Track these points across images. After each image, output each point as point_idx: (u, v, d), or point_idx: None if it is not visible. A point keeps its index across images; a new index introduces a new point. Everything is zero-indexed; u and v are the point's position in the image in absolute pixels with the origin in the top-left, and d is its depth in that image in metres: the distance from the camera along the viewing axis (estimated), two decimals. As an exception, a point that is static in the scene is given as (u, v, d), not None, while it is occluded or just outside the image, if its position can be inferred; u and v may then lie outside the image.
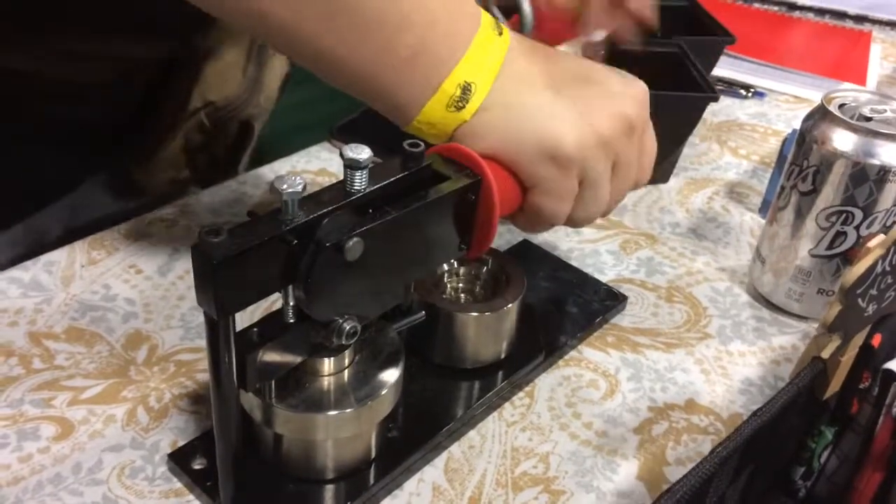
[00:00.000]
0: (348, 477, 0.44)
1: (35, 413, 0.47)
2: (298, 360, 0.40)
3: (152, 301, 0.56)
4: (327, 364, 0.41)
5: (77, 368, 0.51)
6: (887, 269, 0.35)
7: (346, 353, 0.42)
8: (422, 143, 0.40)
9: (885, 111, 0.55)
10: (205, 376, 0.51)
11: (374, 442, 0.45)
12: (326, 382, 0.42)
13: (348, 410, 0.41)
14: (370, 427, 0.43)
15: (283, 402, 0.40)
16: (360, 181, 0.38)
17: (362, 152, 0.37)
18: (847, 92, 0.57)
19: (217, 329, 0.34)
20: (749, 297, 0.62)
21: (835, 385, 0.40)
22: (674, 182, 0.75)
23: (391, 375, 0.43)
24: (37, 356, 0.51)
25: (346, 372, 0.42)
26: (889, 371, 0.41)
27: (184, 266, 0.59)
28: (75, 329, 0.53)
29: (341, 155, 0.37)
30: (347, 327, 0.39)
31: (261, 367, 0.38)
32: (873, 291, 0.36)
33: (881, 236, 0.35)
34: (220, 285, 0.32)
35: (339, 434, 0.42)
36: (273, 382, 0.40)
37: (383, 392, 0.42)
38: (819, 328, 0.36)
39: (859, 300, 0.35)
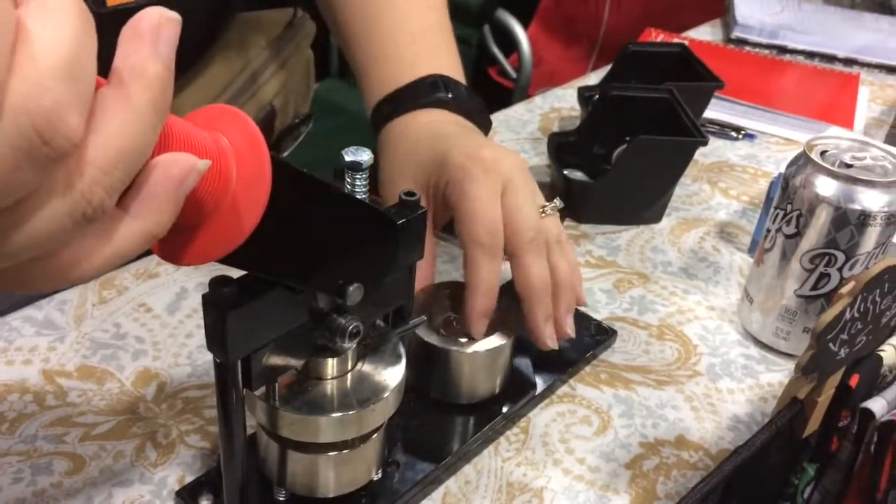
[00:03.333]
0: (349, 511, 0.46)
1: (49, 448, 0.49)
2: (302, 361, 0.42)
3: (161, 339, 0.58)
4: (330, 368, 0.43)
5: (89, 405, 0.53)
6: (856, 315, 0.37)
7: (349, 357, 0.43)
8: (417, 193, 0.43)
9: (865, 158, 0.58)
10: (211, 412, 0.53)
11: (375, 463, 0.46)
12: (329, 386, 0.43)
13: (351, 412, 0.42)
14: (372, 433, 0.45)
15: (287, 405, 0.41)
16: (360, 183, 0.40)
17: (363, 154, 0.39)
18: (829, 139, 0.60)
19: (226, 373, 0.36)
20: (738, 336, 0.64)
21: (813, 424, 0.41)
22: (666, 222, 0.78)
23: (393, 379, 0.44)
24: (50, 393, 0.53)
25: (348, 376, 0.44)
26: (867, 410, 0.43)
27: (191, 305, 0.62)
28: (87, 367, 0.55)
29: (340, 158, 0.39)
30: (350, 327, 0.40)
31: (265, 368, 0.40)
32: (844, 336, 0.38)
33: (852, 283, 0.37)
34: (230, 334, 0.35)
35: (343, 436, 0.43)
36: (277, 388, 0.41)
37: (385, 395, 0.43)
38: (794, 371, 0.38)
39: (830, 344, 0.37)
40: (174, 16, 0.25)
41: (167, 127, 0.26)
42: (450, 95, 0.59)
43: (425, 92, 0.59)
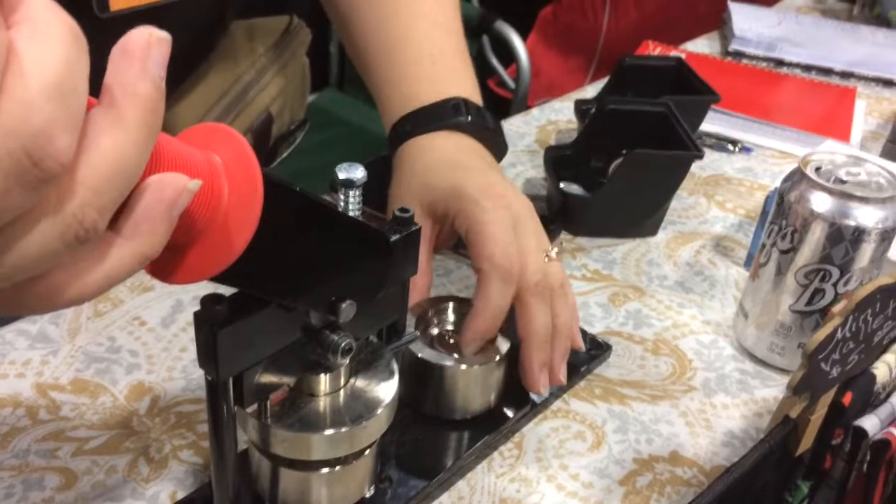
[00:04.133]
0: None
1: (40, 463, 0.49)
2: (294, 378, 0.42)
3: (155, 353, 0.58)
4: (322, 385, 0.43)
5: (82, 420, 0.52)
6: (847, 335, 0.37)
7: (342, 373, 0.43)
8: (410, 210, 0.43)
9: (860, 174, 0.58)
10: (204, 427, 0.52)
11: (368, 480, 0.46)
12: (322, 403, 0.43)
13: (343, 430, 0.41)
14: (364, 449, 0.44)
15: (279, 423, 0.41)
16: (354, 200, 0.40)
17: (357, 171, 0.39)
18: (824, 155, 0.60)
19: (217, 390, 0.36)
20: (733, 350, 0.64)
21: (806, 442, 0.41)
22: (662, 235, 0.78)
23: (386, 395, 0.44)
24: (43, 407, 0.53)
25: (341, 392, 0.44)
26: (860, 428, 0.43)
27: (185, 318, 0.62)
28: (80, 380, 0.55)
29: (334, 175, 0.39)
30: (343, 344, 0.40)
31: (257, 385, 0.39)
32: (836, 356, 0.38)
33: (843, 302, 0.37)
34: (221, 351, 0.35)
35: (335, 453, 0.42)
36: (269, 405, 0.41)
37: (378, 411, 0.43)
38: (787, 390, 0.38)
39: (822, 364, 0.37)
40: (163, 35, 0.25)
41: (158, 146, 0.26)
42: (470, 119, 0.60)
43: (447, 114, 0.60)
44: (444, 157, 0.58)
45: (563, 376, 0.54)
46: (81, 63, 0.23)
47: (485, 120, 0.61)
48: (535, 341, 0.52)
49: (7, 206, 0.22)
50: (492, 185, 0.54)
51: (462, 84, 0.63)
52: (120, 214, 0.26)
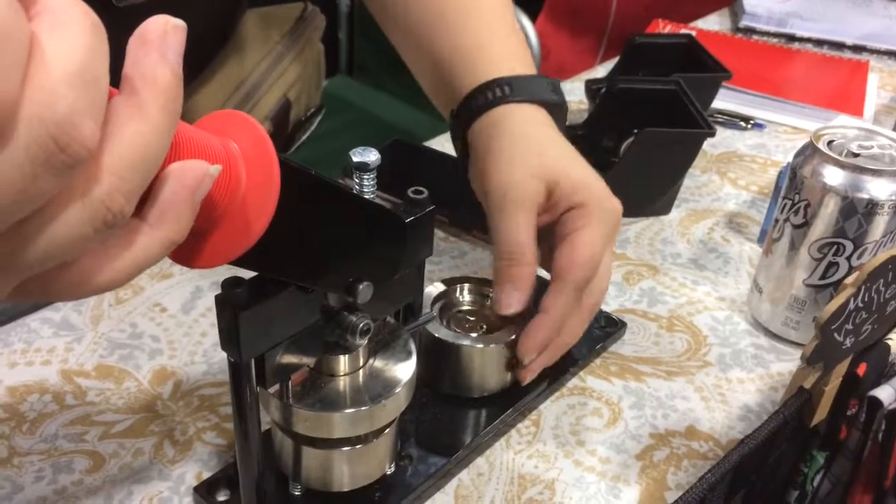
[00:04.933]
0: (363, 504, 0.47)
1: (69, 447, 0.50)
2: (314, 359, 0.43)
3: (176, 338, 0.59)
4: (342, 365, 0.43)
5: (107, 404, 0.54)
6: (860, 305, 0.38)
7: (360, 354, 0.44)
8: (424, 191, 0.43)
9: (872, 147, 0.58)
10: (227, 409, 0.54)
11: (388, 457, 0.47)
12: (342, 383, 0.44)
13: (363, 408, 0.42)
14: (384, 428, 0.45)
15: (300, 402, 0.42)
16: (368, 183, 0.41)
17: (370, 155, 0.40)
18: (836, 129, 0.60)
19: (240, 371, 0.37)
20: (748, 326, 0.64)
21: (821, 413, 0.42)
22: (675, 213, 0.78)
23: (404, 375, 0.44)
24: (69, 393, 0.54)
25: (360, 372, 0.44)
26: (874, 398, 0.43)
27: (205, 304, 0.62)
28: (104, 366, 0.56)
29: (348, 159, 0.40)
30: (361, 325, 0.41)
31: (278, 366, 0.40)
32: (849, 326, 0.38)
33: (856, 273, 0.37)
34: (243, 334, 0.35)
35: (355, 431, 0.43)
36: (291, 385, 0.42)
37: (397, 391, 0.43)
38: (801, 360, 0.39)
39: (835, 335, 0.38)
40: (179, 23, 0.26)
41: (178, 133, 0.27)
42: (561, 100, 0.58)
43: (545, 88, 0.57)
44: (558, 141, 0.55)
45: (528, 376, 0.53)
46: (101, 52, 0.23)
47: (565, 101, 0.58)
48: (548, 326, 0.51)
49: (36, 191, 0.23)
50: (612, 198, 0.52)
51: (533, 67, 0.60)
52: (145, 203, 0.27)
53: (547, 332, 0.50)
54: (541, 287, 0.51)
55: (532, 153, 0.53)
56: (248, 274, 0.36)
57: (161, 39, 0.25)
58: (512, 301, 0.50)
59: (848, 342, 0.39)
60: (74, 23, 0.23)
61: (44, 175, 0.22)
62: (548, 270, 0.51)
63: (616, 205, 0.52)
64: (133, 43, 0.25)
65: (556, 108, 0.57)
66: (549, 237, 0.52)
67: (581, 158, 0.55)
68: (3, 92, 0.20)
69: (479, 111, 0.55)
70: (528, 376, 0.53)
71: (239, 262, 0.31)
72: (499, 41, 0.60)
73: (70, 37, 0.22)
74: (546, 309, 0.50)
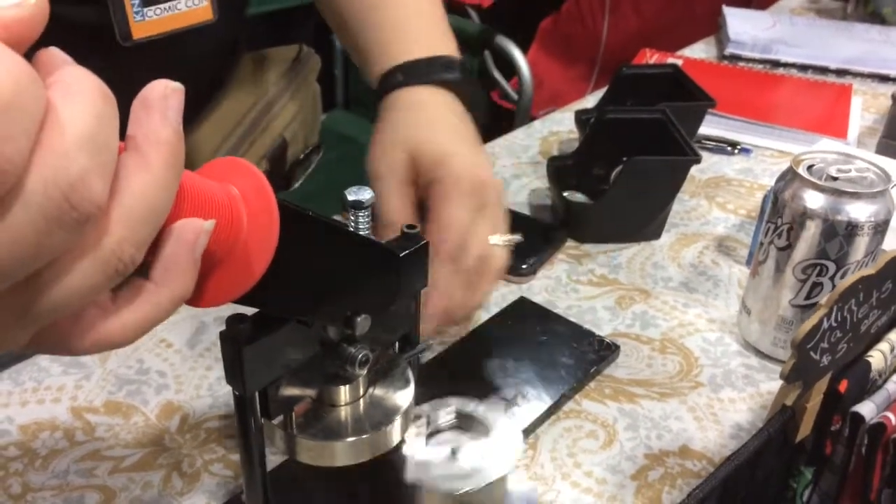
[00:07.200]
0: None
1: (80, 482, 0.52)
2: (315, 390, 0.44)
3: (182, 373, 0.61)
4: (343, 395, 0.45)
5: (116, 439, 0.55)
6: (833, 324, 0.39)
7: (360, 383, 0.46)
8: (417, 226, 0.45)
9: (850, 170, 0.60)
10: (233, 441, 0.55)
11: None
12: (343, 412, 0.45)
13: (365, 436, 0.44)
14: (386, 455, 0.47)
15: (304, 432, 0.43)
16: (363, 221, 0.43)
17: (364, 193, 0.42)
18: (815, 153, 0.62)
19: (245, 404, 0.39)
20: (738, 346, 0.66)
21: (805, 429, 0.43)
22: (665, 238, 0.80)
23: (403, 402, 0.46)
24: (79, 429, 0.56)
25: (360, 401, 0.46)
26: (857, 414, 0.45)
27: (210, 339, 0.64)
28: (113, 402, 0.58)
29: (344, 197, 0.42)
30: (360, 355, 0.42)
31: (281, 398, 0.42)
32: (824, 345, 0.40)
33: (828, 295, 0.39)
34: (246, 368, 0.37)
35: (358, 459, 0.45)
36: (294, 416, 0.43)
37: (397, 418, 0.45)
38: (780, 378, 0.40)
39: (811, 353, 0.39)
40: (177, 86, 0.28)
41: (183, 182, 0.29)
42: (459, 76, 0.63)
43: (438, 69, 0.63)
44: (435, 117, 0.61)
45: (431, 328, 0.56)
46: (111, 117, 0.26)
47: (468, 77, 0.64)
48: (435, 298, 0.54)
49: (49, 245, 0.25)
50: (477, 167, 0.56)
51: (449, 45, 0.66)
52: (151, 265, 0.29)
53: (436, 302, 0.54)
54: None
55: (401, 127, 0.59)
56: (250, 310, 0.37)
57: (162, 102, 0.28)
58: None
59: (825, 360, 0.41)
60: (87, 92, 0.25)
61: (57, 231, 0.25)
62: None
63: (481, 174, 0.56)
64: (136, 105, 0.28)
65: (462, 85, 0.63)
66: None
67: (460, 134, 0.60)
68: (13, 155, 0.22)
69: (379, 98, 0.63)
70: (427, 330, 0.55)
71: (241, 301, 0.33)
72: (402, 28, 0.66)
73: (82, 104, 0.25)
74: (431, 283, 0.53)
